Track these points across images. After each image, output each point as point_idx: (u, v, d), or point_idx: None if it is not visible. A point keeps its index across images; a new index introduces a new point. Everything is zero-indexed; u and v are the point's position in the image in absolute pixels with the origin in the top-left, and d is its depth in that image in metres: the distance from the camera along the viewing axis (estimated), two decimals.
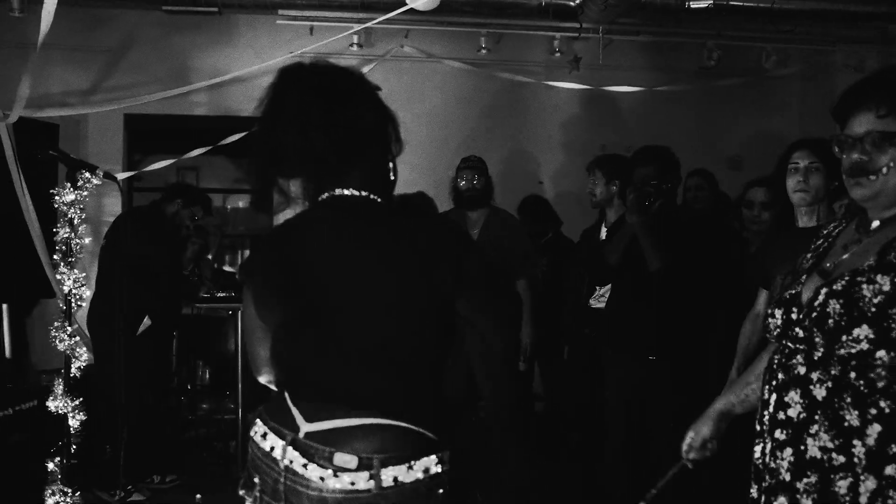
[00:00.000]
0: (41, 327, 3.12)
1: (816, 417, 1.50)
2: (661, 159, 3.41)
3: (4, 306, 4.52)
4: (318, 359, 1.59)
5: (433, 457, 1.54)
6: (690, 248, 3.23)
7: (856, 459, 1.46)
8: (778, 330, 1.64)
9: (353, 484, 1.48)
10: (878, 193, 1.58)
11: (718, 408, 1.95)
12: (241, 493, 1.61)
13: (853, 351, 1.47)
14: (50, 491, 2.85)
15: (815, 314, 1.53)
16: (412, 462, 1.51)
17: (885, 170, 1.56)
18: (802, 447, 1.52)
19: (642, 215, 3.24)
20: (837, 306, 1.49)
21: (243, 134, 5.02)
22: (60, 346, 2.86)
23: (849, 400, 1.47)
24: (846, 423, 1.47)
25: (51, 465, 2.88)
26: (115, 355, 3.66)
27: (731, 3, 5.46)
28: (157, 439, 4.43)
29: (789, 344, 1.59)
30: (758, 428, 1.66)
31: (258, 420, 1.61)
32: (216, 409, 5.48)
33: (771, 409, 1.60)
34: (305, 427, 1.52)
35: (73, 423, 2.87)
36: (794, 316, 1.60)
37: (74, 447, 2.89)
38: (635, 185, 3.31)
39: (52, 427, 2.94)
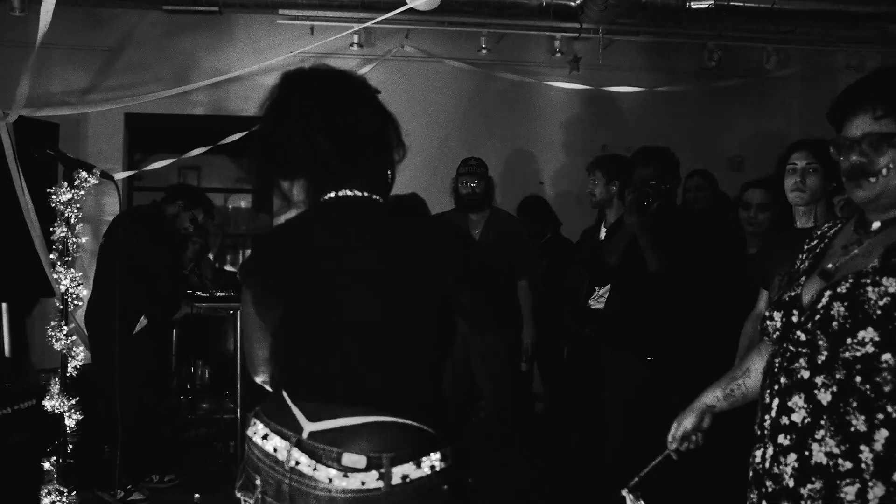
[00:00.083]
0: (41, 326, 3.13)
1: (822, 422, 1.48)
2: (661, 160, 3.41)
3: (4, 305, 4.53)
4: (319, 358, 1.59)
5: (437, 453, 1.54)
6: (689, 249, 3.23)
7: (863, 465, 1.43)
8: (778, 332, 1.62)
9: (363, 483, 1.48)
10: (878, 195, 1.57)
11: (703, 401, 1.95)
12: (239, 494, 1.60)
13: (858, 354, 1.46)
14: (46, 490, 2.84)
15: (818, 317, 1.52)
16: (420, 459, 1.52)
17: (884, 171, 1.55)
18: (807, 452, 1.49)
19: (641, 216, 3.24)
20: (842, 309, 1.48)
21: (243, 133, 5.03)
22: (57, 346, 2.86)
23: (855, 404, 1.45)
24: (853, 429, 1.45)
25: (47, 465, 2.88)
26: (113, 355, 3.65)
27: (732, 3, 5.45)
28: (156, 439, 4.43)
29: (791, 347, 1.57)
30: (757, 432, 1.64)
31: (256, 421, 1.60)
32: (216, 409, 5.48)
33: (773, 413, 1.58)
34: (309, 427, 1.52)
35: (70, 422, 2.87)
36: (794, 318, 1.58)
37: (71, 447, 2.89)
38: (634, 186, 3.31)
39: (49, 426, 2.94)
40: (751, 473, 1.66)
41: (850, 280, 1.51)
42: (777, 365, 1.60)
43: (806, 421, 1.50)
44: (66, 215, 2.82)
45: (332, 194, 1.66)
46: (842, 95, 1.64)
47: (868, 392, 1.45)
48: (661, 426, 3.15)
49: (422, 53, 6.05)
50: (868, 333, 1.44)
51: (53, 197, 2.84)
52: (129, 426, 3.81)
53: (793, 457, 1.52)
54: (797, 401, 1.52)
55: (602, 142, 6.18)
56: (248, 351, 1.72)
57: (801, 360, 1.54)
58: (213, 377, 5.51)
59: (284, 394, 1.58)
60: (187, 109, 6.11)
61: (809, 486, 1.49)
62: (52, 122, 4.76)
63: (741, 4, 5.50)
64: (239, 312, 1.76)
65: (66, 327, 2.87)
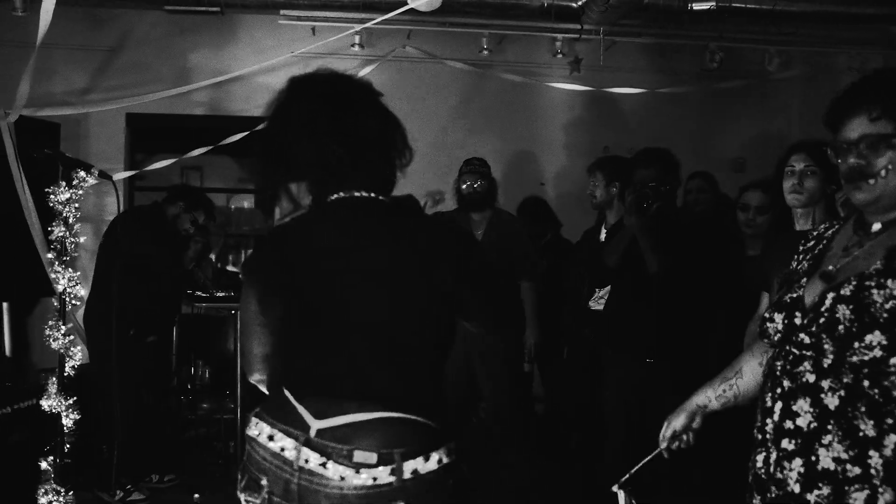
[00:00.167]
0: (42, 326, 3.13)
1: (829, 427, 1.47)
2: (661, 161, 3.41)
3: (5, 305, 4.54)
4: (323, 356, 1.60)
5: (444, 448, 1.57)
6: (689, 250, 3.23)
7: (872, 471, 1.42)
8: (779, 335, 1.61)
9: (375, 479, 1.49)
10: (878, 197, 1.57)
11: (694, 402, 1.95)
12: (243, 495, 1.61)
13: (866, 358, 1.44)
14: (43, 490, 2.85)
15: (822, 320, 1.50)
16: (428, 454, 1.54)
17: (883, 172, 1.55)
18: (814, 458, 1.48)
19: (641, 217, 3.24)
20: (847, 312, 1.47)
21: (245, 134, 5.05)
22: (54, 345, 2.86)
23: (863, 409, 1.44)
24: (861, 434, 1.44)
25: (44, 465, 2.89)
26: (112, 354, 3.66)
27: (734, 4, 5.45)
28: (156, 439, 4.43)
29: (794, 350, 1.56)
30: (758, 437, 1.62)
31: (259, 421, 1.60)
32: (216, 409, 5.48)
33: (776, 417, 1.56)
34: (317, 425, 1.53)
35: (67, 422, 2.87)
36: (797, 321, 1.57)
37: (68, 446, 2.89)
38: (634, 188, 3.31)
39: (47, 426, 2.95)
40: (750, 478, 1.65)
41: (854, 282, 1.50)
42: (779, 368, 1.58)
43: (812, 425, 1.49)
44: (65, 215, 2.83)
45: (336, 195, 1.68)
46: (837, 98, 1.64)
47: (876, 396, 1.44)
48: (661, 427, 3.17)
49: (423, 54, 6.05)
50: (875, 337, 1.43)
51: (52, 196, 2.84)
52: (127, 426, 3.82)
53: (798, 462, 1.50)
54: (803, 405, 1.51)
55: (603, 143, 6.18)
56: (246, 348, 1.72)
57: (806, 364, 1.52)
58: (214, 377, 5.51)
59: (287, 393, 1.59)
60: (189, 109, 6.11)
61: (817, 491, 1.47)
62: (53, 122, 4.77)
63: (743, 6, 5.49)
64: (239, 310, 1.76)
65: (63, 327, 2.88)
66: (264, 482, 1.55)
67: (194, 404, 5.53)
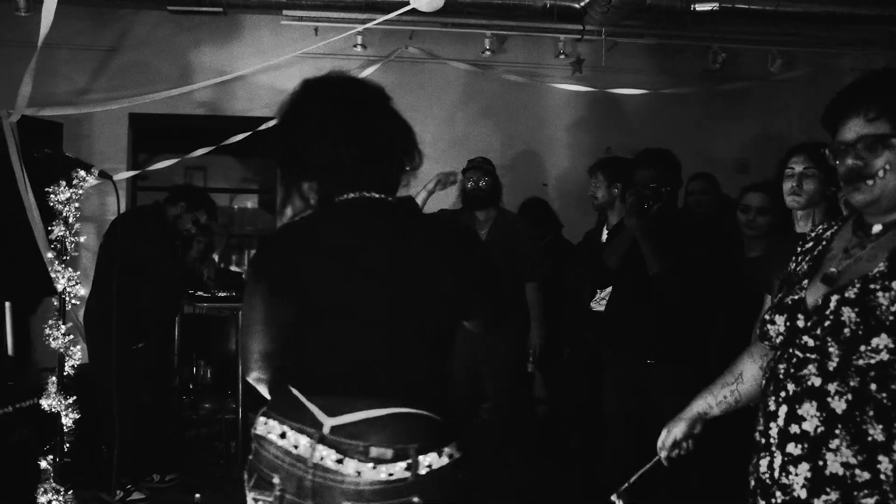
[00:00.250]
0: (43, 325, 3.14)
1: (836, 431, 1.45)
2: (662, 162, 3.40)
3: (7, 304, 4.54)
4: (330, 355, 1.63)
5: (454, 443, 1.60)
6: (689, 251, 3.22)
7: (882, 476, 1.41)
8: (782, 337, 1.60)
9: (391, 475, 1.52)
10: (878, 198, 1.56)
11: (694, 410, 1.94)
12: (252, 494, 1.61)
13: (872, 361, 1.43)
14: (42, 489, 2.85)
15: (827, 323, 1.49)
16: (441, 449, 1.57)
17: (881, 173, 1.54)
18: (821, 462, 1.46)
19: (641, 219, 3.23)
20: (853, 315, 1.45)
21: (248, 134, 5.06)
22: (54, 344, 2.87)
23: (871, 413, 1.43)
24: (870, 438, 1.42)
25: (44, 464, 2.89)
26: (111, 355, 3.66)
27: (737, 6, 5.44)
28: (156, 439, 4.43)
29: (798, 353, 1.54)
30: (761, 441, 1.60)
31: (269, 420, 1.62)
32: (217, 409, 5.49)
33: (780, 421, 1.54)
34: (330, 422, 1.55)
35: (67, 421, 2.88)
36: (799, 324, 1.56)
37: (68, 446, 2.90)
38: (634, 189, 3.31)
39: (47, 425, 2.96)
40: (752, 483, 1.63)
41: (858, 285, 1.49)
42: (782, 371, 1.57)
43: (819, 430, 1.47)
44: (65, 214, 2.83)
45: (345, 196, 1.71)
46: (834, 100, 1.63)
47: (884, 400, 1.42)
48: (661, 428, 3.17)
49: (426, 55, 6.06)
50: (882, 340, 1.42)
51: (52, 196, 2.85)
52: (127, 426, 3.82)
53: (805, 466, 1.49)
54: (809, 409, 1.49)
55: (606, 144, 6.18)
56: (246, 347, 1.73)
57: (811, 367, 1.51)
58: (215, 377, 5.52)
59: (295, 392, 1.61)
60: (191, 110, 6.12)
61: (824, 496, 1.46)
62: (55, 121, 4.77)
63: (745, 7, 5.49)
64: (241, 308, 1.77)
65: (63, 326, 2.89)
66: (276, 480, 1.57)
67: (196, 404, 5.54)
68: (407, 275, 1.65)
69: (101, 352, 4.11)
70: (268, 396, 1.76)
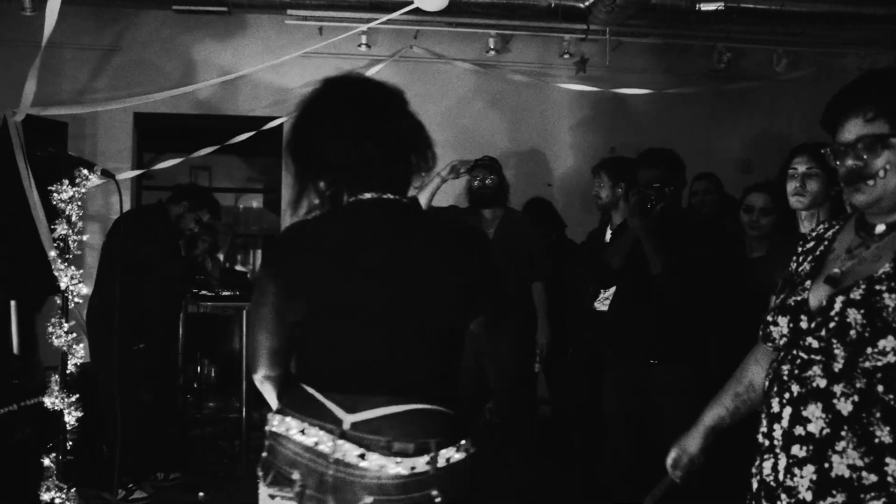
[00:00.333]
0: (47, 324, 3.16)
1: (843, 433, 1.44)
2: (665, 162, 3.39)
3: (13, 303, 4.55)
4: (345, 352, 1.65)
5: (470, 438, 1.65)
6: (692, 252, 3.21)
7: (890, 479, 1.39)
8: (785, 339, 1.59)
9: (413, 468, 1.56)
10: (879, 198, 1.55)
11: (708, 424, 1.88)
12: (269, 490, 1.63)
13: (879, 364, 1.42)
14: (45, 487, 2.87)
15: (832, 324, 1.48)
16: (459, 443, 1.61)
17: (881, 173, 1.53)
18: (827, 465, 1.45)
19: (644, 218, 3.22)
20: (859, 317, 1.44)
21: (252, 133, 5.06)
22: (57, 343, 2.89)
23: (878, 415, 1.41)
24: (877, 440, 1.41)
25: (46, 462, 2.91)
26: (112, 354, 3.67)
27: (742, 5, 5.43)
28: (157, 438, 4.43)
29: (802, 354, 1.53)
30: (765, 442, 1.59)
31: (286, 417, 1.64)
32: (221, 408, 5.51)
33: (785, 423, 1.53)
34: (350, 418, 1.58)
35: (70, 419, 2.89)
36: (803, 325, 1.55)
37: (70, 444, 2.91)
38: (637, 188, 3.30)
39: (50, 423, 2.97)
40: (755, 485, 1.62)
41: (863, 286, 1.48)
42: (786, 372, 1.56)
43: (825, 431, 1.46)
44: (68, 213, 2.85)
45: (358, 196, 1.73)
46: (832, 101, 1.62)
47: (891, 402, 1.42)
48: (662, 428, 3.17)
49: (430, 54, 6.06)
50: (889, 342, 1.41)
51: (55, 195, 2.86)
52: (128, 426, 3.83)
53: (810, 469, 1.48)
54: (814, 410, 1.48)
55: (611, 144, 6.17)
56: (255, 344, 1.74)
57: (816, 368, 1.50)
58: (219, 376, 5.54)
59: (310, 389, 1.63)
60: (196, 109, 6.13)
61: (830, 499, 1.44)
62: (60, 121, 4.78)
63: (751, 6, 5.47)
64: (250, 304, 1.79)
65: (66, 324, 2.90)
66: (296, 476, 1.59)
67: (200, 403, 5.55)
68: (410, 275, 1.67)
69: (103, 351, 4.11)
70: (269, 395, 1.77)
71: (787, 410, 1.53)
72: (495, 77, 6.26)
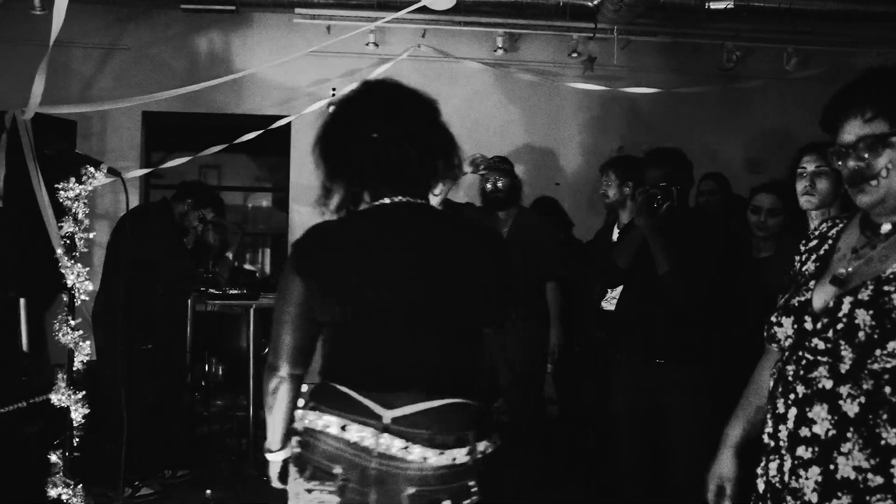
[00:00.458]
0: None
1: (849, 435, 1.43)
2: (672, 161, 3.37)
3: (22, 301, 4.58)
4: (383, 351, 1.71)
5: (497, 431, 1.74)
6: (699, 251, 3.20)
7: (895, 481, 1.39)
8: (790, 340, 1.58)
9: (454, 460, 1.64)
10: (883, 198, 1.55)
11: (735, 441, 1.82)
12: (308, 485, 1.68)
13: (888, 366, 1.41)
14: (52, 483, 2.88)
15: (840, 325, 1.47)
16: (490, 435, 1.71)
17: (884, 172, 1.53)
18: (832, 466, 1.44)
19: (650, 218, 3.21)
20: (867, 318, 1.43)
21: (260, 132, 5.07)
22: (63, 340, 2.90)
23: (885, 417, 1.41)
24: (883, 442, 1.40)
25: (53, 458, 2.92)
26: (117, 353, 3.67)
27: (752, 3, 5.41)
28: (162, 437, 4.43)
29: (807, 355, 1.53)
30: (770, 443, 1.59)
31: (324, 414, 1.67)
32: (229, 406, 5.52)
33: (790, 424, 1.53)
34: (389, 414, 1.64)
35: (76, 416, 2.90)
36: (808, 326, 1.54)
37: (77, 440, 2.93)
38: (643, 188, 3.28)
39: (57, 420, 2.98)
40: (761, 486, 1.62)
41: (871, 286, 1.47)
42: (791, 373, 1.55)
43: (830, 433, 1.46)
44: (74, 211, 2.86)
45: (384, 198, 1.78)
46: (830, 102, 1.62)
47: None
48: (669, 428, 3.16)
49: (438, 53, 6.06)
50: None
51: (62, 193, 2.87)
52: (132, 424, 3.82)
53: (815, 470, 1.47)
54: (819, 411, 1.48)
55: (620, 143, 6.16)
56: (281, 342, 1.78)
57: (821, 369, 1.49)
58: (227, 374, 5.54)
59: (343, 388, 1.68)
60: (204, 108, 6.15)
61: (836, 501, 1.44)
62: (69, 119, 4.81)
63: (760, 5, 5.46)
64: (275, 303, 1.82)
65: (72, 321, 2.91)
66: (338, 470, 1.65)
67: (207, 401, 5.56)
68: (437, 275, 1.72)
69: (108, 349, 4.12)
70: (283, 394, 1.79)
71: (793, 411, 1.53)
72: (503, 76, 6.25)
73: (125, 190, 3.19)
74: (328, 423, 1.66)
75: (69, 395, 2.87)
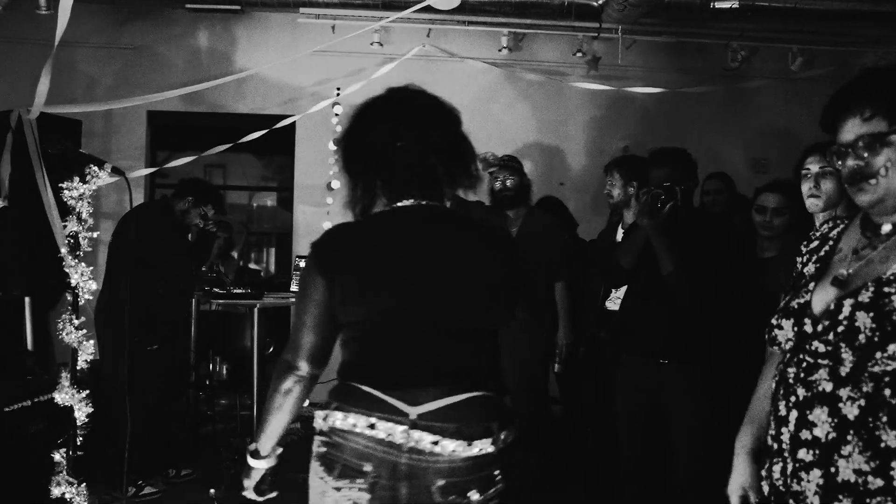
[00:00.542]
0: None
1: (849, 438, 1.43)
2: (676, 161, 3.36)
3: (27, 299, 4.59)
4: (407, 350, 1.74)
5: (516, 422, 1.79)
6: (702, 251, 3.19)
7: (895, 483, 1.39)
8: (791, 343, 1.58)
9: (481, 450, 1.69)
10: (882, 197, 1.54)
11: (749, 447, 1.78)
12: (337, 483, 1.70)
13: (889, 368, 1.41)
14: (56, 482, 2.89)
15: (841, 328, 1.47)
16: (511, 425, 1.76)
17: (883, 171, 1.52)
18: (833, 469, 1.44)
19: (654, 218, 3.20)
20: (868, 320, 1.43)
21: (265, 131, 5.08)
22: (67, 339, 2.91)
23: (885, 419, 1.40)
24: (883, 444, 1.40)
25: (57, 456, 2.93)
26: (119, 353, 3.67)
27: (757, 3, 5.40)
28: (163, 436, 4.44)
29: (808, 358, 1.52)
30: (774, 446, 1.58)
31: (349, 414, 1.70)
32: (233, 405, 5.53)
33: (791, 427, 1.53)
34: (415, 410, 1.68)
35: (80, 415, 2.91)
36: (808, 329, 1.54)
37: (81, 439, 2.93)
38: (647, 188, 3.28)
39: (61, 419, 2.99)
40: (766, 489, 1.62)
41: (872, 288, 1.46)
42: (792, 375, 1.55)
43: (830, 436, 1.45)
44: (78, 210, 2.86)
45: (402, 201, 1.83)
46: (830, 102, 1.62)
47: None
48: (671, 428, 3.16)
49: (442, 53, 6.06)
50: None
51: (66, 192, 2.88)
52: (135, 424, 3.83)
53: (816, 473, 1.47)
54: (819, 414, 1.47)
55: (623, 143, 6.15)
56: (301, 342, 1.80)
57: (822, 372, 1.49)
58: (231, 374, 5.55)
59: (366, 387, 1.71)
60: (209, 107, 6.16)
61: None
62: (74, 119, 4.81)
63: (766, 4, 5.45)
64: (296, 303, 1.84)
65: (76, 321, 2.91)
66: (368, 467, 1.68)
67: (211, 400, 5.57)
68: (455, 275, 1.78)
69: (111, 349, 4.12)
70: (295, 394, 1.80)
71: (794, 414, 1.53)
72: (508, 76, 6.25)
73: (129, 189, 3.19)
74: (355, 422, 1.69)
75: (73, 395, 2.88)
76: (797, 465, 1.51)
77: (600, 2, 5.47)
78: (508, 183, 4.28)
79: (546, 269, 4.22)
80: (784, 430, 1.55)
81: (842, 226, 1.71)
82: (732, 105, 6.42)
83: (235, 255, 6.48)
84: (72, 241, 2.89)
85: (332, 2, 5.76)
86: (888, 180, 1.53)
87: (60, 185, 2.90)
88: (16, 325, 4.39)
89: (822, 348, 1.50)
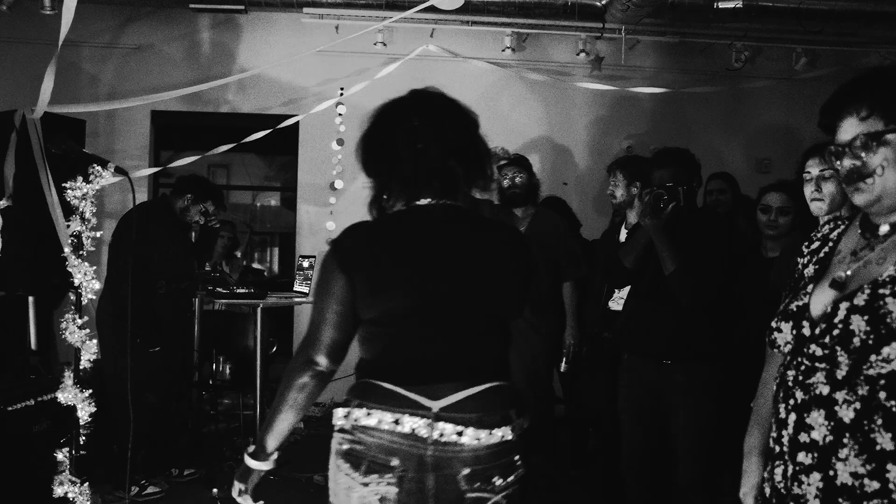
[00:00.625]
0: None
1: (845, 441, 1.43)
2: (679, 161, 3.35)
3: (30, 299, 4.60)
4: (426, 346, 1.79)
5: (529, 409, 1.85)
6: (705, 251, 3.19)
7: (891, 485, 1.38)
8: (790, 346, 1.57)
9: (503, 437, 1.74)
10: (879, 197, 1.53)
11: (759, 449, 1.76)
12: (364, 479, 1.73)
13: (883, 371, 1.40)
14: (58, 481, 2.90)
15: (836, 331, 1.46)
16: (524, 413, 1.81)
17: (879, 170, 1.51)
18: (832, 472, 1.44)
19: (655, 218, 3.20)
20: (863, 324, 1.42)
21: (269, 131, 5.08)
22: (70, 339, 2.91)
23: (880, 422, 1.40)
24: (878, 447, 1.40)
25: (60, 456, 2.93)
26: (121, 353, 3.67)
27: (760, 3, 5.39)
28: (165, 436, 4.44)
29: (805, 361, 1.52)
30: (776, 448, 1.58)
31: (373, 411, 1.73)
32: (236, 405, 5.53)
33: (790, 430, 1.53)
34: (437, 404, 1.72)
35: (83, 414, 2.91)
36: (805, 332, 1.53)
37: (84, 439, 2.94)
38: (649, 188, 3.27)
39: (64, 418, 2.99)
40: (768, 491, 1.62)
41: (867, 290, 1.46)
42: (791, 378, 1.55)
43: (828, 439, 1.45)
44: (81, 210, 2.87)
45: (419, 200, 1.86)
46: (827, 103, 1.61)
47: (894, 409, 1.40)
48: (675, 428, 3.16)
49: (446, 53, 6.06)
50: (893, 350, 1.39)
51: (69, 192, 2.88)
52: (137, 424, 3.83)
53: (816, 476, 1.47)
54: (817, 417, 1.47)
55: (626, 143, 6.15)
56: (320, 337, 1.81)
57: (819, 375, 1.49)
58: (235, 373, 5.55)
59: (387, 384, 1.75)
60: (213, 107, 6.17)
61: None
62: (78, 118, 4.82)
63: (770, 4, 5.44)
64: (315, 300, 1.84)
65: (79, 320, 2.92)
66: (395, 462, 1.72)
67: (215, 400, 5.57)
68: (472, 273, 1.82)
69: (112, 350, 4.13)
70: (307, 390, 1.82)
71: (793, 417, 1.53)
72: (511, 76, 6.25)
73: (132, 189, 3.20)
74: (380, 418, 1.73)
75: (76, 394, 2.88)
76: (797, 468, 1.50)
77: (604, 2, 5.46)
78: (517, 180, 4.29)
79: (553, 269, 4.22)
80: (784, 433, 1.55)
81: (842, 226, 1.70)
82: (736, 105, 6.42)
83: (239, 254, 6.48)
84: (75, 240, 2.89)
85: (336, 2, 5.77)
86: (884, 179, 1.52)
87: (64, 184, 2.90)
88: (19, 325, 4.39)
89: (819, 351, 1.49)
